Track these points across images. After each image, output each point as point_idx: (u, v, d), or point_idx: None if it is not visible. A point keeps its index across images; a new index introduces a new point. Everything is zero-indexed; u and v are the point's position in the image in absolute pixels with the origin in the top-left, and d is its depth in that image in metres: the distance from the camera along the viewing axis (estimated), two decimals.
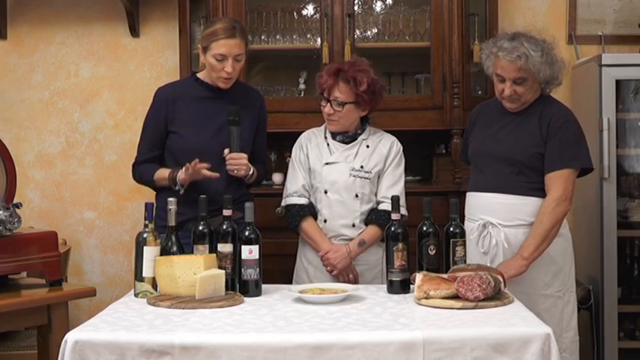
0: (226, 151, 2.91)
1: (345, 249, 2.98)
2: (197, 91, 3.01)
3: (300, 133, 3.18)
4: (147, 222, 2.57)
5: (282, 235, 3.29)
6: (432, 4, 3.81)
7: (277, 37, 3.99)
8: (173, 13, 4.20)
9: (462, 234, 2.63)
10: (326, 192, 3.01)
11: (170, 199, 2.60)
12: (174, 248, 2.58)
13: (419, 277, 2.45)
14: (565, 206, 2.84)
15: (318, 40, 3.89)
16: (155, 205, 2.78)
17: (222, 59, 2.89)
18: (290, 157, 3.19)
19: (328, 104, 2.99)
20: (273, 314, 2.32)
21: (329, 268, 2.99)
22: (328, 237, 3.01)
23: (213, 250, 2.59)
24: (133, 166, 3.05)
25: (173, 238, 2.59)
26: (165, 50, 4.30)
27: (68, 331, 2.15)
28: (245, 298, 2.51)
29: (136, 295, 2.56)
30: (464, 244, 2.62)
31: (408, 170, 3.23)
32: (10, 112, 4.34)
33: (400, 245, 2.60)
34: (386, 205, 2.94)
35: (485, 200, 2.94)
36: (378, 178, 3.05)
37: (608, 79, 3.76)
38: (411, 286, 2.59)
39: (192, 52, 3.93)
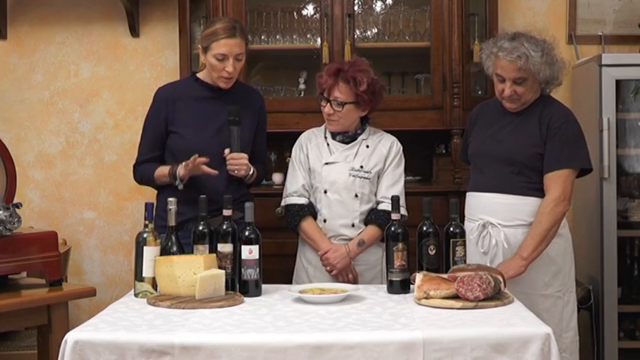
0: (227, 151, 2.91)
1: (345, 249, 2.98)
2: (197, 91, 3.01)
3: (300, 133, 3.18)
4: (147, 222, 2.57)
5: (282, 235, 3.29)
6: (432, 4, 3.81)
7: (277, 37, 3.99)
8: (173, 13, 4.20)
9: (462, 234, 2.63)
10: (325, 192, 3.01)
11: (170, 199, 2.60)
12: (174, 248, 2.58)
13: (419, 277, 2.45)
14: (564, 206, 2.85)
15: (318, 40, 3.89)
16: (155, 205, 2.78)
17: (223, 59, 2.89)
18: (290, 157, 3.19)
19: (328, 104, 2.99)
20: (273, 314, 2.32)
21: (328, 267, 2.99)
22: (328, 237, 3.01)
23: (213, 250, 2.59)
24: (134, 166, 3.05)
25: (173, 238, 2.59)
26: (165, 50, 4.30)
27: (68, 331, 2.15)
28: (245, 298, 2.51)
29: (136, 295, 2.56)
30: (464, 244, 2.62)
31: (408, 170, 3.23)
32: (10, 112, 4.34)
33: (400, 245, 2.60)
34: (385, 205, 2.95)
35: (485, 200, 2.94)
36: (378, 178, 3.05)
37: (608, 79, 3.76)
38: (411, 286, 2.59)
39: (192, 52, 3.93)
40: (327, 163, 3.03)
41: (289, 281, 3.11)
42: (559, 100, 3.03)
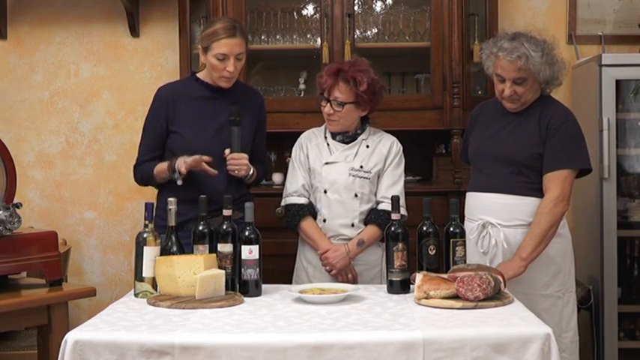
0: (227, 151, 2.91)
1: (344, 248, 2.98)
2: (197, 91, 3.01)
3: (300, 133, 3.18)
4: (147, 222, 2.57)
5: (282, 235, 3.29)
6: (432, 4, 3.81)
7: (277, 37, 3.99)
8: (173, 13, 4.20)
9: (462, 234, 2.63)
10: (325, 192, 3.01)
11: (170, 199, 2.60)
12: (174, 248, 2.58)
13: (419, 277, 2.45)
14: (563, 207, 2.84)
15: (318, 40, 3.89)
16: (155, 205, 2.78)
17: (223, 59, 2.89)
18: (290, 157, 3.19)
19: (328, 104, 2.99)
20: (273, 314, 2.32)
21: (328, 267, 2.99)
22: (327, 237, 3.01)
23: (213, 250, 2.59)
24: (134, 167, 3.05)
25: (173, 238, 2.59)
26: (165, 50, 4.30)
27: (68, 331, 2.15)
28: (245, 298, 2.51)
29: (136, 295, 2.56)
30: (464, 244, 2.62)
31: (408, 170, 3.23)
32: (10, 112, 4.34)
33: (400, 245, 2.60)
34: (385, 205, 2.95)
35: (484, 200, 2.94)
36: (378, 178, 3.05)
37: (608, 79, 3.76)
38: (411, 286, 2.59)
39: (192, 52, 3.93)
40: (327, 163, 3.03)
41: (289, 281, 3.11)
42: (559, 101, 3.03)
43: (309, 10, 3.99)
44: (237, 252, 2.57)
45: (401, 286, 2.60)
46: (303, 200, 3.05)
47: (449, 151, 3.90)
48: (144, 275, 2.55)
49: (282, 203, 3.13)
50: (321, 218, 3.03)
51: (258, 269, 2.57)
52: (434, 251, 2.63)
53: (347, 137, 3.07)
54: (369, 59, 3.06)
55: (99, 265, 4.36)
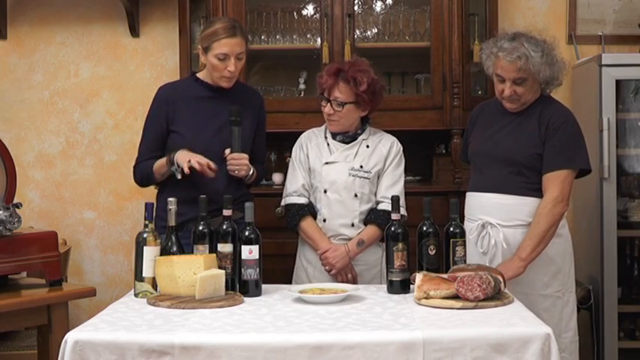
0: (227, 151, 2.91)
1: (344, 248, 2.98)
2: (197, 91, 3.01)
3: (300, 133, 3.18)
4: (147, 222, 2.57)
5: (282, 235, 3.29)
6: (432, 4, 3.81)
7: (277, 37, 3.99)
8: (173, 13, 4.20)
9: (462, 234, 2.63)
10: (325, 191, 3.02)
11: (170, 199, 2.60)
12: (174, 248, 2.58)
13: (419, 277, 2.45)
14: (562, 207, 2.84)
15: (318, 40, 3.89)
16: (155, 205, 2.78)
17: (224, 58, 2.89)
18: (290, 157, 3.19)
19: (328, 104, 2.99)
20: (273, 314, 2.32)
21: (327, 267, 2.99)
22: (327, 236, 3.01)
23: (213, 250, 2.59)
24: (134, 167, 3.05)
25: (173, 238, 2.59)
26: (166, 50, 4.30)
27: (68, 331, 2.15)
28: (245, 298, 2.51)
29: (136, 295, 2.56)
30: (464, 244, 2.62)
31: (408, 170, 3.23)
32: (10, 112, 4.34)
33: (400, 245, 2.60)
34: (385, 205, 2.95)
35: (484, 200, 2.94)
36: (378, 177, 3.05)
37: (608, 79, 3.76)
38: (411, 286, 2.59)
39: (192, 52, 3.93)
40: (327, 163, 3.04)
41: (289, 281, 3.11)
42: (559, 101, 3.03)
43: (309, 10, 3.99)
44: (237, 252, 2.57)
45: (401, 286, 2.60)
46: (303, 200, 3.05)
47: (449, 151, 3.90)
48: (144, 275, 2.55)
49: (282, 203, 3.13)
50: (321, 218, 3.03)
51: (258, 269, 2.57)
52: (434, 251, 2.63)
53: (347, 137, 3.07)
54: (369, 59, 3.06)
55: (99, 265, 4.36)
